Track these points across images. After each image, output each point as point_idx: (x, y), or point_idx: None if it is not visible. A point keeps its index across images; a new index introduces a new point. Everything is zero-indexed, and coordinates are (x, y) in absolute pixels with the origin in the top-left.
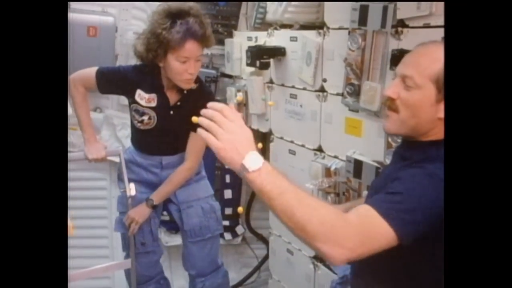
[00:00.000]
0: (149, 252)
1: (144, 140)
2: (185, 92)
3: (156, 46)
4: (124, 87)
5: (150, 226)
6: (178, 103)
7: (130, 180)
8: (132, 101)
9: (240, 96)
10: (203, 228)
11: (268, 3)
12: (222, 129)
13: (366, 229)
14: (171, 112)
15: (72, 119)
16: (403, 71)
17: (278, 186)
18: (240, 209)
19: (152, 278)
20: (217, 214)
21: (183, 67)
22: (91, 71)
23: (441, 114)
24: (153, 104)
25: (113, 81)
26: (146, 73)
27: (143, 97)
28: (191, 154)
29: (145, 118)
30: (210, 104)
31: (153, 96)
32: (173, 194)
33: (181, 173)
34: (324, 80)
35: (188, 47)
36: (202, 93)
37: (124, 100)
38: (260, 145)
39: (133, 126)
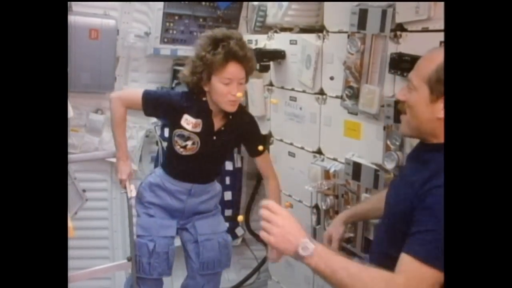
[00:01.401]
0: (158, 280)
1: (180, 166)
2: (230, 117)
3: (201, 70)
4: (171, 112)
5: (167, 254)
6: (222, 128)
7: (152, 205)
8: (177, 126)
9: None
10: (216, 262)
11: (268, 6)
12: (271, 224)
13: (416, 285)
14: (214, 138)
15: (73, 121)
16: (408, 75)
17: (329, 266)
18: (240, 218)
19: None
20: (229, 250)
21: (227, 89)
22: (138, 92)
23: (440, 114)
24: (198, 129)
25: (160, 105)
26: (194, 99)
27: (190, 122)
28: (269, 170)
29: (189, 143)
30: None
31: (199, 121)
32: (192, 225)
33: (276, 190)
34: (332, 78)
35: (230, 68)
36: (243, 117)
37: None
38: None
39: (170, 151)
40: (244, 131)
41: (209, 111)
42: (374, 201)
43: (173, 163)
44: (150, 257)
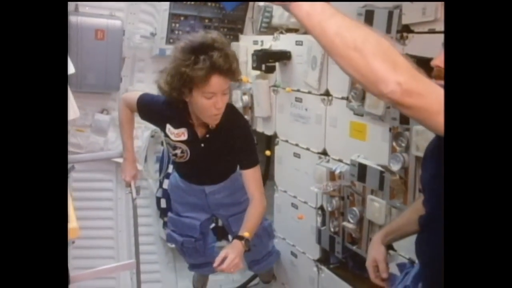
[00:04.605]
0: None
1: (184, 171)
2: (210, 126)
3: (180, 84)
4: (156, 120)
5: (196, 248)
6: (207, 136)
7: (178, 203)
8: (164, 134)
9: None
10: (258, 246)
11: (274, 7)
12: None
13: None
14: (202, 145)
15: (79, 121)
16: None
17: (329, 9)
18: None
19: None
20: (269, 231)
21: (210, 102)
22: (135, 95)
23: None
24: (184, 138)
25: (148, 112)
26: (175, 108)
27: (172, 132)
28: (257, 190)
29: (178, 152)
30: None
31: (183, 130)
32: (225, 219)
33: (255, 212)
34: None
35: (214, 82)
36: (235, 120)
37: None
38: (268, 152)
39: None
40: (234, 135)
41: (190, 120)
42: (408, 215)
43: (177, 167)
44: (182, 247)
